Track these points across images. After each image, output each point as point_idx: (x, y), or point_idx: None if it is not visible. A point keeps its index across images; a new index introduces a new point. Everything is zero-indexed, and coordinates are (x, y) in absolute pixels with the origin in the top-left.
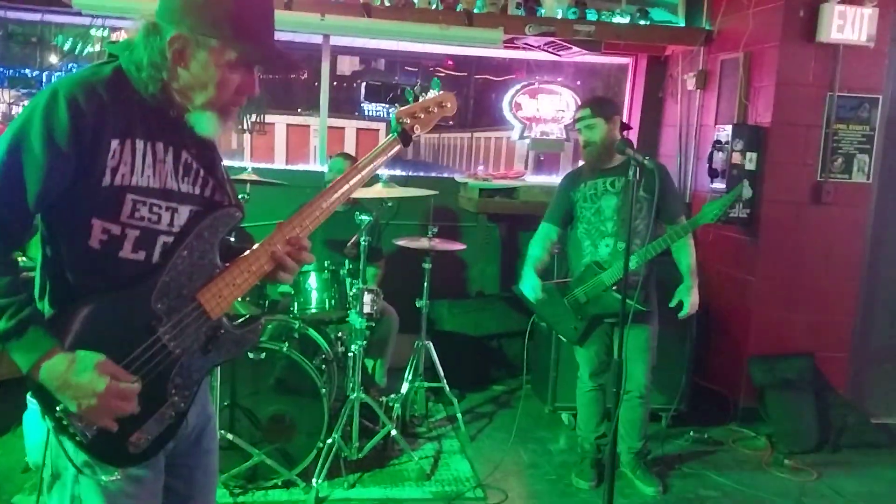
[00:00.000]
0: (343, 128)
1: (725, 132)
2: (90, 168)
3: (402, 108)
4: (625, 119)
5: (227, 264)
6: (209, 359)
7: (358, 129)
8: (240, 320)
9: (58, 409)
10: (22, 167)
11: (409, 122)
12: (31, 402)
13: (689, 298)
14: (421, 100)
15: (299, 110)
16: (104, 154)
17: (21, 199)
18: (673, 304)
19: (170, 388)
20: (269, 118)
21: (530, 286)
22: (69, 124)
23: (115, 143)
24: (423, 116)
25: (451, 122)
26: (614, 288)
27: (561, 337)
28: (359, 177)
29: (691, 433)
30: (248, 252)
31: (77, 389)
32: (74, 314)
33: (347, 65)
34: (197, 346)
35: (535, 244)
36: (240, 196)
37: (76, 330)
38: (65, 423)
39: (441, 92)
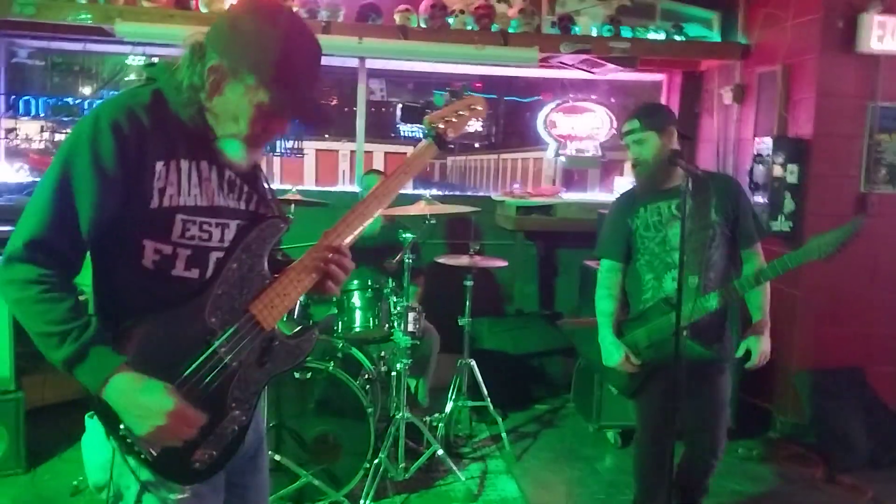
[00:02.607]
0: (371, 152)
1: (766, 145)
2: (137, 191)
3: (433, 113)
4: None
5: (276, 275)
6: (265, 371)
7: (386, 153)
8: (294, 330)
9: (121, 427)
10: (73, 194)
11: (441, 126)
12: (90, 424)
13: (759, 347)
14: (451, 103)
15: (326, 136)
16: (149, 176)
17: (74, 226)
18: (740, 353)
19: (229, 402)
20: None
21: (619, 356)
22: (114, 149)
23: (159, 165)
24: (454, 120)
25: (477, 145)
26: (686, 332)
27: (611, 387)
28: (399, 185)
29: (739, 450)
30: (296, 262)
31: (146, 409)
32: (131, 333)
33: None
34: (253, 358)
35: (603, 295)
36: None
37: (134, 349)
38: (129, 441)
39: (470, 95)
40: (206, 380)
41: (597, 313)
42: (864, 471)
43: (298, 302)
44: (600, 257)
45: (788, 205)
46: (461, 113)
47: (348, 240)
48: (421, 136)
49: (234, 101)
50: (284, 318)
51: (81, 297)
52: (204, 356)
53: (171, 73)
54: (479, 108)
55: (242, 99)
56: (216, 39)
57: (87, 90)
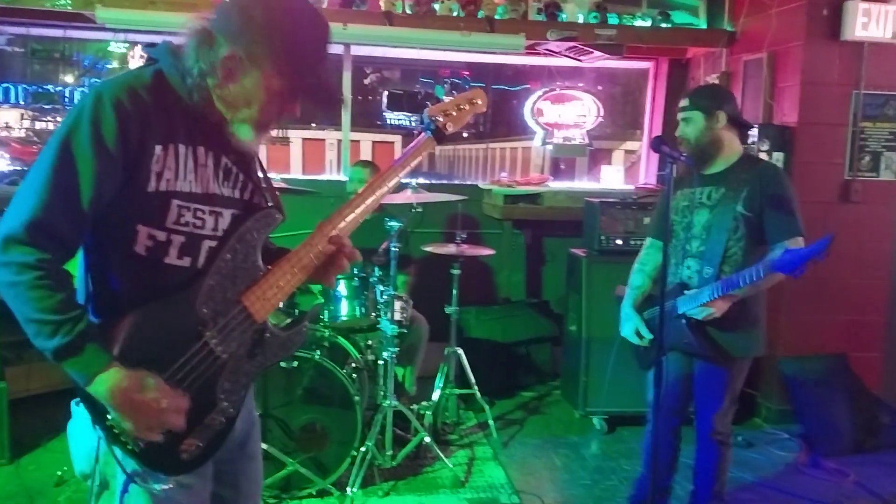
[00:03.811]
0: (358, 141)
1: (752, 133)
2: (135, 173)
3: (434, 105)
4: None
5: (270, 267)
6: (256, 362)
7: (374, 142)
8: (284, 323)
9: (109, 417)
10: (75, 172)
11: (441, 119)
12: (77, 411)
13: (715, 304)
14: (452, 97)
15: (313, 125)
16: (148, 159)
17: (76, 204)
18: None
19: (219, 394)
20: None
21: (630, 328)
22: (116, 127)
23: (158, 148)
24: (454, 113)
25: (465, 134)
26: (684, 320)
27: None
28: (396, 177)
29: None
30: (290, 253)
31: (141, 407)
32: (121, 323)
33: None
34: (244, 349)
35: (635, 269)
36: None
37: (124, 338)
38: (116, 431)
39: (472, 88)
40: (197, 371)
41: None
42: (848, 455)
43: None
44: (648, 236)
45: None
46: (462, 107)
47: (345, 232)
48: (407, 123)
49: (249, 88)
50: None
51: None
52: (195, 347)
53: (175, 56)
54: (480, 103)
55: (258, 86)
56: (226, 26)
57: (68, 77)
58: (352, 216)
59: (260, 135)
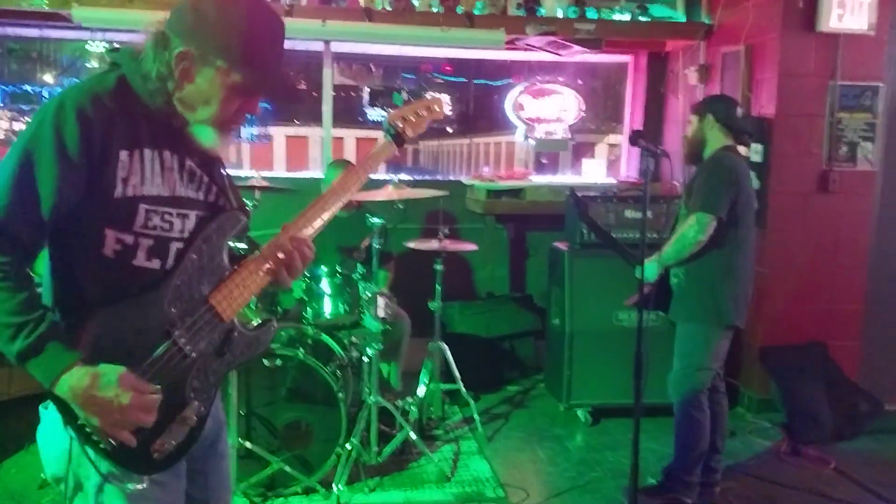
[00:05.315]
0: (342, 137)
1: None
2: (101, 179)
3: (393, 111)
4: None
5: (237, 267)
6: (224, 361)
7: (357, 139)
8: (258, 321)
9: (80, 417)
10: (35, 178)
11: (400, 125)
12: (45, 415)
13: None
14: (411, 103)
15: (296, 122)
16: (113, 165)
17: (36, 210)
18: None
19: (188, 392)
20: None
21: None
22: (79, 135)
23: (123, 154)
24: (413, 119)
25: (449, 129)
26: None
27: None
28: (358, 181)
29: None
30: (255, 254)
31: (102, 405)
32: (90, 323)
33: (346, 74)
34: (212, 348)
35: None
36: (250, 204)
37: (93, 339)
38: (88, 430)
39: (431, 95)
40: (166, 369)
41: None
42: (828, 443)
43: (266, 290)
44: None
45: (754, 183)
46: (420, 113)
47: (309, 233)
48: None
49: (205, 87)
50: (253, 306)
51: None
52: (164, 346)
53: (136, 60)
54: (438, 110)
55: (214, 83)
56: (179, 26)
57: (46, 77)
58: (315, 218)
59: (222, 136)
